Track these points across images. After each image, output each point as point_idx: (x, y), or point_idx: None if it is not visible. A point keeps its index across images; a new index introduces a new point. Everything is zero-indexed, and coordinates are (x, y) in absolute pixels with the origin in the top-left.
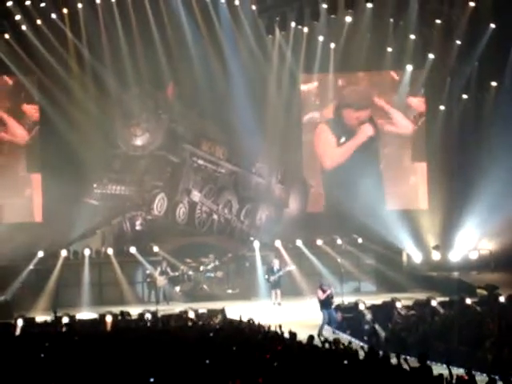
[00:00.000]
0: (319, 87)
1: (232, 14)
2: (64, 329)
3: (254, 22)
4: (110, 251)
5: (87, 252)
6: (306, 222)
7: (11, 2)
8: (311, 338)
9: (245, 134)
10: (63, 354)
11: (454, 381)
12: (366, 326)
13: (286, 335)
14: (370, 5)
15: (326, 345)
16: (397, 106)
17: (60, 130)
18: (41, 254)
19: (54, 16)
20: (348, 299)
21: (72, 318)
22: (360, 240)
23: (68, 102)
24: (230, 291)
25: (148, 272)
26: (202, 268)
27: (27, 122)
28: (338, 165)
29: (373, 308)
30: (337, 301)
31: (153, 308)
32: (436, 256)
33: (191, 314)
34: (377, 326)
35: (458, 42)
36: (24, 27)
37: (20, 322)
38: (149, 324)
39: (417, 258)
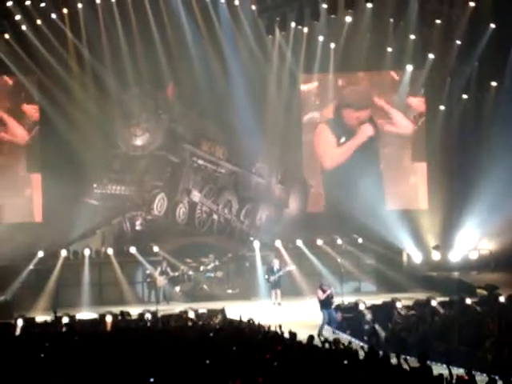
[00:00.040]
0: (319, 87)
1: (232, 14)
2: (64, 329)
3: (254, 22)
4: (110, 251)
5: (87, 252)
6: (306, 222)
7: (11, 2)
8: (311, 337)
9: (245, 134)
10: (63, 354)
11: (453, 381)
12: (366, 326)
13: (286, 335)
14: (369, 5)
15: (326, 345)
16: (397, 106)
17: (60, 130)
18: (41, 253)
19: (53, 16)
20: (348, 299)
21: (72, 318)
22: (360, 240)
23: (68, 102)
24: (230, 291)
25: (148, 272)
26: (202, 268)
27: (27, 122)
28: (338, 165)
29: (373, 308)
30: (337, 301)
31: (153, 308)
32: (436, 256)
33: (191, 314)
34: (377, 326)
35: (458, 42)
36: (24, 27)
37: (20, 322)
38: (149, 324)
39: (417, 258)
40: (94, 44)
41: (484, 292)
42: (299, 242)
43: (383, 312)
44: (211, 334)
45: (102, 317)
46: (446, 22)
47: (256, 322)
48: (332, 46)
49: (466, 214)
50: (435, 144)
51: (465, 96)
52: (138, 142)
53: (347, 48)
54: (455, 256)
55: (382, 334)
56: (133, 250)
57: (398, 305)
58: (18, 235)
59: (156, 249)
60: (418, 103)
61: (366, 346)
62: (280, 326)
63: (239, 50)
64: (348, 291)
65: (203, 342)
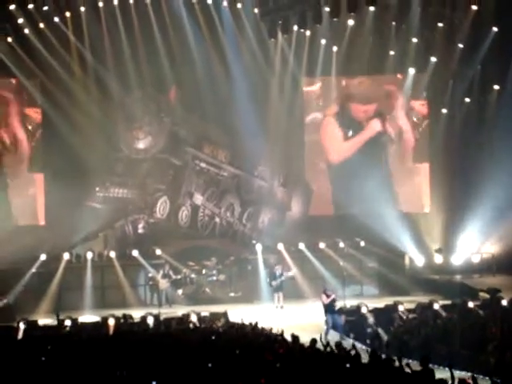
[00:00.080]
0: (322, 87)
1: (234, 17)
2: (66, 332)
3: (257, 25)
4: (113, 254)
5: (90, 255)
6: (309, 225)
7: (14, 6)
8: (314, 341)
9: (247, 137)
10: (65, 357)
11: None
12: (369, 330)
13: (289, 338)
14: (372, 8)
15: (328, 348)
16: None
17: (62, 133)
18: (43, 257)
19: (56, 19)
20: (350, 302)
21: (74, 321)
22: (362, 243)
23: (70, 106)
24: (232, 294)
25: (150, 275)
26: (204, 271)
27: (30, 125)
28: (345, 159)
29: (375, 311)
30: (339, 304)
31: (155, 311)
32: (438, 259)
33: (193, 317)
34: (379, 330)
35: (461, 46)
36: (27, 30)
37: (22, 326)
38: (151, 327)
39: (419, 261)
40: (96, 47)
41: (486, 295)
42: (301, 245)
43: (385, 315)
44: (213, 338)
45: (105, 320)
46: (448, 26)
47: (258, 326)
48: (334, 49)
49: (469, 217)
50: (438, 147)
51: (467, 99)
52: (141, 145)
53: (349, 51)
54: (457, 259)
55: (385, 337)
56: (135, 253)
57: (401, 308)
58: (20, 238)
59: (158, 252)
60: (420, 106)
61: (368, 349)
62: (282, 332)
63: (241, 54)
64: (350, 294)
65: (205, 346)
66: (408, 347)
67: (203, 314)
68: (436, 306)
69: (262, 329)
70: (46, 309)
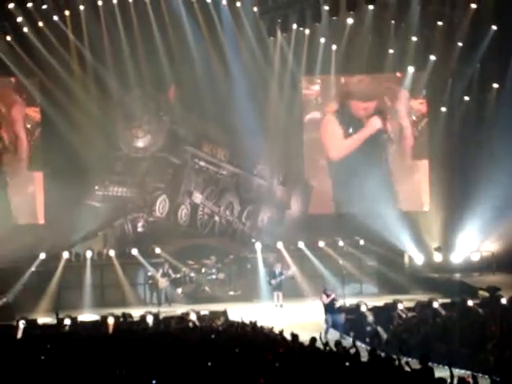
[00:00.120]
0: (322, 86)
1: (233, 15)
2: (66, 331)
3: (256, 23)
4: (112, 253)
5: (89, 254)
6: (308, 224)
7: (13, 4)
8: (313, 339)
9: (246, 136)
10: (65, 356)
11: (455, 383)
12: (368, 328)
13: (288, 337)
14: (371, 7)
15: (328, 347)
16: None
17: (62, 132)
18: (43, 255)
19: (55, 18)
20: (350, 301)
21: (74, 319)
22: (362, 242)
23: (70, 104)
24: (231, 293)
25: (150, 274)
26: (203, 270)
27: (29, 123)
28: (345, 156)
29: (374, 310)
30: (338, 303)
31: (154, 310)
32: (438, 258)
33: (193, 316)
34: (379, 328)
35: (460, 44)
36: (26, 29)
37: (22, 324)
38: (150, 326)
39: (419, 259)
40: (95, 46)
41: (486, 294)
42: (301, 244)
43: (385, 314)
44: (213, 336)
45: (104, 319)
46: (447, 24)
47: (258, 324)
48: (334, 47)
49: (468, 215)
50: (437, 145)
51: (466, 98)
52: (140, 143)
53: (349, 50)
54: (457, 258)
55: (384, 335)
56: (134, 251)
57: (400, 306)
58: (19, 237)
59: (158, 250)
60: (419, 105)
61: (367, 348)
62: (282, 331)
63: (241, 52)
64: (350, 293)
65: (205, 344)
66: (407, 345)
67: (203, 312)
68: (435, 305)
69: (262, 327)
70: (45, 308)
